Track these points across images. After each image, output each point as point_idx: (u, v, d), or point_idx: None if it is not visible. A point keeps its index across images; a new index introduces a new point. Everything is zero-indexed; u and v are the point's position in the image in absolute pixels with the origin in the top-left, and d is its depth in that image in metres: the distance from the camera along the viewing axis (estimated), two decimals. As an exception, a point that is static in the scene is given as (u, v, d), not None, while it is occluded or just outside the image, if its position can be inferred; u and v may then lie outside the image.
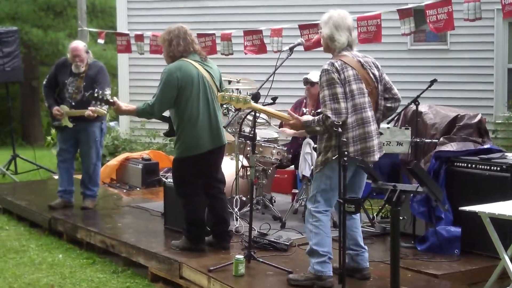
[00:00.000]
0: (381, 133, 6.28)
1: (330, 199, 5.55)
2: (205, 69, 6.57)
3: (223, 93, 5.79)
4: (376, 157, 5.58)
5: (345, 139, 5.33)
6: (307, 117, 5.62)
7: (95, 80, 8.29)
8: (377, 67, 5.66)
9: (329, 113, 5.32)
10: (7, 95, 12.73)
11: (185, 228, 6.70)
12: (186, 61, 6.50)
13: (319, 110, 5.53)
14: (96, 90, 6.97)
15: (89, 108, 8.02)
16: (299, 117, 5.64)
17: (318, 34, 5.79)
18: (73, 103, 8.32)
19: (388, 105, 5.77)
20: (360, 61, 5.55)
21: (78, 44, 8.59)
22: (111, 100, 6.71)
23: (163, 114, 6.76)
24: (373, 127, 5.54)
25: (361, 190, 5.75)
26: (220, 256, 6.49)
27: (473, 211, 5.37)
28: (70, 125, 8.37)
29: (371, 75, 5.57)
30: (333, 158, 5.38)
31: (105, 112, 8.17)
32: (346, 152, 5.15)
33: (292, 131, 7.82)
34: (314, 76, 8.24)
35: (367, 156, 5.49)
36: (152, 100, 6.44)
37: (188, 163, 6.56)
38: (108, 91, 8.15)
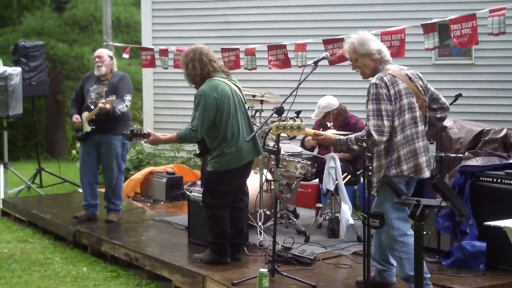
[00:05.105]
0: None
1: (403, 215, 5.42)
2: (234, 84, 6.64)
3: (278, 123, 5.76)
4: (427, 173, 5.47)
5: (396, 157, 5.32)
6: (340, 136, 5.55)
7: (116, 86, 8.40)
8: (421, 78, 5.56)
9: (372, 130, 5.22)
10: (33, 109, 12.84)
11: (211, 241, 6.71)
12: (217, 80, 6.56)
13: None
14: (135, 127, 6.99)
15: (100, 101, 8.17)
16: (331, 135, 5.58)
17: (350, 60, 5.64)
18: (93, 107, 8.38)
19: (438, 115, 5.68)
20: (407, 74, 5.45)
21: (102, 50, 8.96)
22: (146, 133, 6.74)
23: None
24: (422, 142, 5.44)
25: None
26: (244, 269, 6.50)
27: (499, 226, 5.31)
28: (89, 128, 8.41)
29: (420, 88, 5.47)
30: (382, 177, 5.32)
31: (113, 99, 8.17)
32: (371, 168, 5.12)
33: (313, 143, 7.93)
34: (317, 114, 8.45)
35: (419, 173, 5.40)
36: (193, 124, 6.42)
37: (227, 177, 6.59)
38: (128, 97, 8.39)
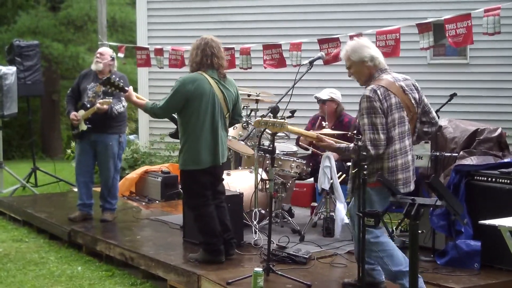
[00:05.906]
0: None
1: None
2: (220, 88, 6.59)
3: (260, 119, 5.78)
4: (412, 187, 5.49)
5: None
6: (341, 144, 5.57)
7: None
8: (417, 89, 5.53)
9: (368, 145, 5.21)
10: (28, 109, 12.84)
11: (203, 241, 6.72)
12: (203, 75, 6.55)
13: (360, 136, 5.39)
14: (113, 76, 7.05)
15: (97, 101, 8.18)
16: (332, 141, 5.57)
17: (347, 70, 5.61)
18: (89, 106, 8.37)
19: (425, 129, 5.67)
20: (402, 86, 5.41)
21: (107, 48, 8.95)
22: (126, 88, 6.79)
23: (172, 115, 6.95)
24: (410, 156, 5.45)
25: None
26: (239, 268, 6.50)
27: (493, 225, 5.33)
28: (85, 127, 8.39)
29: (412, 101, 5.43)
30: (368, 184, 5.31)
31: (111, 101, 8.20)
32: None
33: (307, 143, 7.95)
34: (324, 94, 8.34)
35: (402, 186, 5.40)
36: (160, 103, 6.57)
37: (194, 176, 6.62)
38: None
